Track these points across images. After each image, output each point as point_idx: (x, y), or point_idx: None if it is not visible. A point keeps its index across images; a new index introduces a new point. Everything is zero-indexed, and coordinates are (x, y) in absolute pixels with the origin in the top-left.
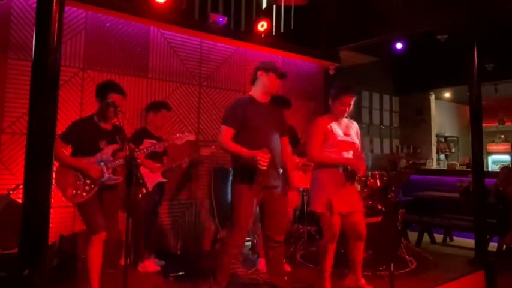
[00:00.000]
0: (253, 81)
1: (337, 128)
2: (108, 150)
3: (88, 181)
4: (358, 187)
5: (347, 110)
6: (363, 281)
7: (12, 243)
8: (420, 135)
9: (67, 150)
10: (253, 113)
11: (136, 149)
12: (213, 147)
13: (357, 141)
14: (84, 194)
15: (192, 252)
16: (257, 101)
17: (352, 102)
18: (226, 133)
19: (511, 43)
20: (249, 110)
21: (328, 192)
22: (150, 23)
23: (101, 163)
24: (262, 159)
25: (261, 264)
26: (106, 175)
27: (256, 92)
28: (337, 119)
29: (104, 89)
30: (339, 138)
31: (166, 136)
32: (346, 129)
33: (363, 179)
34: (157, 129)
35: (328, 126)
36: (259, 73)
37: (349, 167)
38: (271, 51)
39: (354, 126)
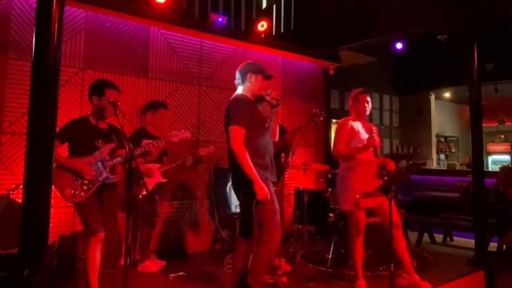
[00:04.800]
0: (240, 83)
1: (360, 129)
2: (105, 149)
3: (86, 181)
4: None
5: (366, 106)
6: (416, 277)
7: (12, 243)
8: (420, 135)
9: (64, 152)
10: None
11: (135, 149)
12: (212, 147)
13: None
14: (83, 193)
15: (192, 252)
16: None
17: (367, 100)
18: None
19: (511, 43)
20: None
21: (354, 190)
22: (150, 23)
23: (98, 162)
24: None
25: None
26: (104, 174)
27: (247, 92)
28: (359, 119)
29: (99, 87)
30: (362, 137)
31: (163, 134)
32: (367, 131)
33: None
34: (156, 129)
35: (354, 126)
36: (249, 75)
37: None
38: (271, 51)
39: (374, 129)
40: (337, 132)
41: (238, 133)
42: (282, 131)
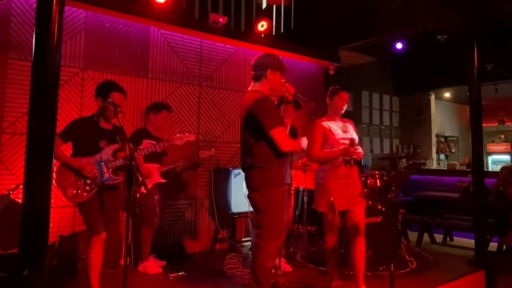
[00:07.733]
0: (258, 78)
1: (335, 127)
2: (108, 150)
3: (89, 181)
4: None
5: (345, 105)
6: None
7: (12, 243)
8: (420, 135)
9: (68, 151)
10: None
11: (136, 149)
12: (212, 150)
13: (356, 137)
14: (85, 194)
15: (192, 252)
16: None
17: (348, 99)
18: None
19: (511, 43)
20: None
21: (330, 192)
22: (150, 23)
23: (102, 163)
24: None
25: None
26: (106, 175)
27: (264, 89)
28: (335, 116)
29: (105, 89)
30: (338, 136)
31: (166, 136)
32: (344, 128)
33: (362, 178)
34: (157, 130)
35: (326, 126)
36: (268, 72)
37: (346, 157)
38: (271, 51)
39: (350, 125)
40: (311, 136)
41: (283, 134)
42: (294, 131)
